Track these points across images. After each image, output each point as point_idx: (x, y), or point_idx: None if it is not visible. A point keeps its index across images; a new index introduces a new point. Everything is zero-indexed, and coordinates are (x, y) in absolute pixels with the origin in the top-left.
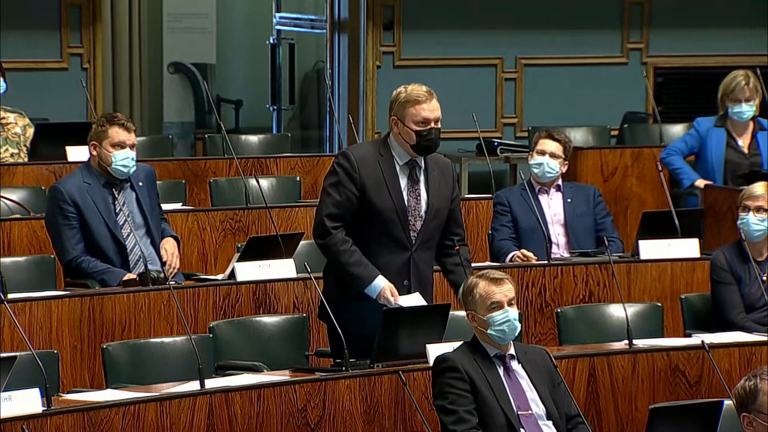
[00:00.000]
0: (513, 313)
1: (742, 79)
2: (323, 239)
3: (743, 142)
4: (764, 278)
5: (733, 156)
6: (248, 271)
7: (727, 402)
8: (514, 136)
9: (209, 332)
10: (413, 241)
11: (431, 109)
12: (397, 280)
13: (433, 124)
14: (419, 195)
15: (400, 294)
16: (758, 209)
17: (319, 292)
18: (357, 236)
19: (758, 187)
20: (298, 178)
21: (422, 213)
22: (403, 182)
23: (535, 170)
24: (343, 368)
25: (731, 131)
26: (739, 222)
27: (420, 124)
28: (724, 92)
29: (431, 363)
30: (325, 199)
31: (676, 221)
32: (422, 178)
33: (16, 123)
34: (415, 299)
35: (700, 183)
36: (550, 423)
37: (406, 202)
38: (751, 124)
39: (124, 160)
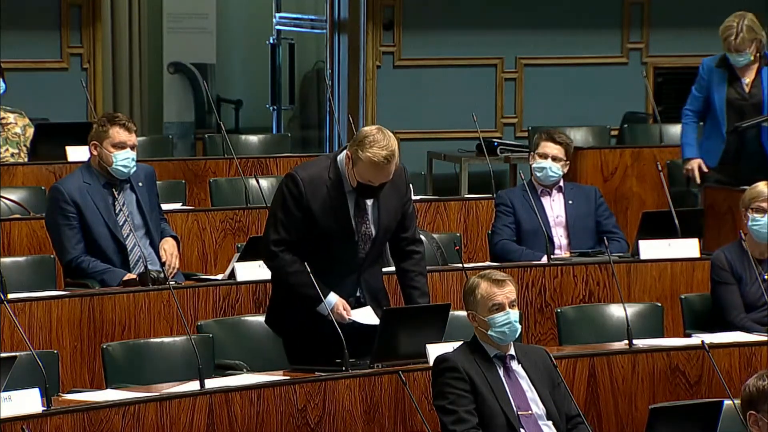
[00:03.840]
0: (514, 315)
1: (732, 33)
2: (271, 261)
3: (747, 79)
4: (765, 278)
5: (734, 96)
6: (248, 271)
7: (727, 402)
8: (514, 136)
9: (197, 331)
10: (361, 263)
11: (383, 175)
12: (349, 297)
13: (377, 184)
14: (368, 220)
15: (352, 307)
16: None
17: (318, 293)
18: (306, 256)
19: (764, 188)
20: None
21: (372, 235)
22: (351, 207)
23: (538, 174)
24: (343, 368)
25: (735, 69)
26: (751, 224)
27: (366, 180)
28: (721, 36)
29: (431, 363)
30: (272, 222)
31: (676, 221)
32: (371, 201)
33: (16, 123)
34: (367, 313)
35: (691, 164)
36: (550, 423)
37: (354, 227)
38: (758, 59)
39: (124, 160)
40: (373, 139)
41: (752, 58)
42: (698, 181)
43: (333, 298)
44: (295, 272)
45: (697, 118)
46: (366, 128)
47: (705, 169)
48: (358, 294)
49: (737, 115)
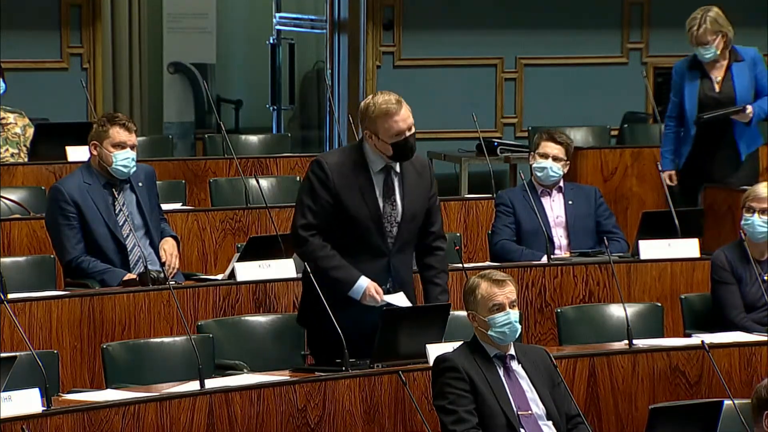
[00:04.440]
0: (514, 315)
1: (695, 24)
2: (300, 247)
3: (718, 76)
4: (765, 278)
5: (705, 95)
6: (248, 271)
7: (727, 402)
8: (514, 136)
9: (197, 331)
10: (390, 248)
11: (403, 119)
12: (378, 284)
13: (407, 133)
14: (395, 201)
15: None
16: (763, 211)
17: (319, 293)
18: (334, 243)
19: (762, 188)
20: (298, 178)
21: (398, 219)
22: (378, 189)
23: (539, 174)
24: (343, 368)
25: (705, 67)
26: (743, 223)
27: (394, 136)
28: (686, 30)
29: (431, 363)
30: (300, 208)
31: (676, 221)
32: (397, 183)
33: (16, 123)
34: (399, 298)
35: (663, 176)
36: (550, 423)
37: (381, 209)
38: (727, 56)
39: (124, 160)
40: (375, 101)
41: (718, 52)
42: (672, 185)
43: (364, 281)
44: (325, 256)
45: (677, 124)
46: (362, 103)
47: (672, 182)
48: (388, 286)
49: (705, 111)
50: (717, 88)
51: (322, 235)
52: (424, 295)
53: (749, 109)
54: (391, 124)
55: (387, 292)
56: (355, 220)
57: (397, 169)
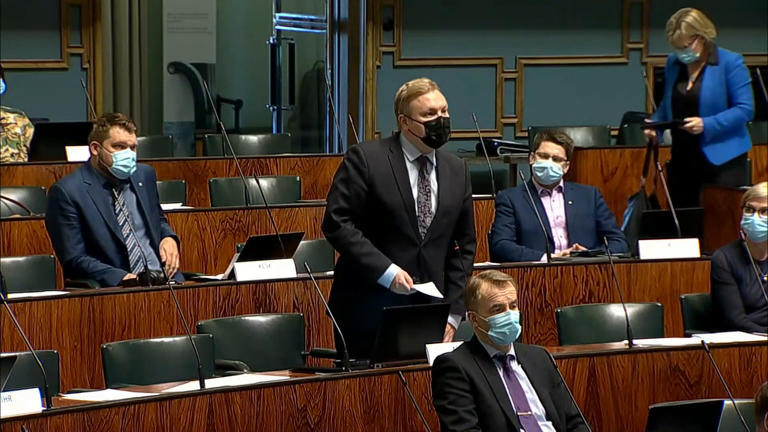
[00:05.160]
0: (514, 315)
1: (670, 29)
2: (332, 233)
3: (694, 76)
4: (765, 278)
5: (677, 93)
6: (248, 271)
7: (727, 402)
8: (514, 136)
9: (197, 331)
10: (422, 238)
11: (435, 99)
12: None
13: (440, 113)
14: (429, 191)
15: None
16: (763, 210)
17: (319, 293)
18: (366, 231)
19: (762, 188)
20: (298, 178)
21: (432, 209)
22: (413, 178)
23: (539, 174)
24: (343, 368)
25: (686, 65)
26: (743, 222)
27: (427, 114)
28: None
29: (431, 363)
30: (334, 194)
31: (676, 221)
32: (433, 174)
33: (16, 123)
34: (429, 287)
35: (645, 133)
36: (549, 423)
37: (415, 198)
38: (706, 57)
39: (124, 160)
40: (407, 84)
41: (697, 55)
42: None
43: (394, 269)
44: (356, 242)
45: (662, 111)
46: (397, 92)
47: (653, 136)
48: (416, 279)
49: (680, 112)
50: (689, 87)
51: (355, 223)
52: (444, 294)
53: (694, 121)
54: (423, 102)
55: (416, 283)
56: (388, 207)
57: (433, 161)
